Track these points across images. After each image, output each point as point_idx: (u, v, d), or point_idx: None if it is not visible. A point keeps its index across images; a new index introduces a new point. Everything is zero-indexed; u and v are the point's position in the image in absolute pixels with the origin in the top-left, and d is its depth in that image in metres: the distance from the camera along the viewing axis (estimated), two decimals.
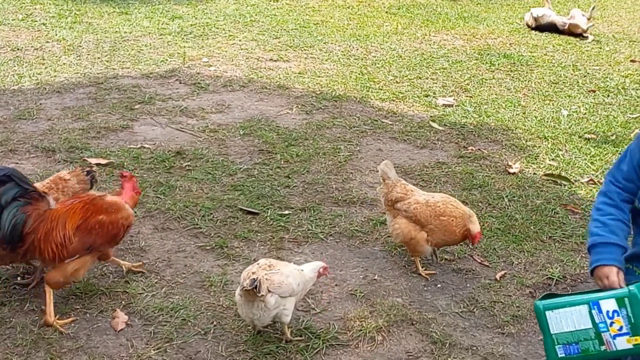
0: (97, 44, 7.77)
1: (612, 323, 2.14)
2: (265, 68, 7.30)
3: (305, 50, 8.13)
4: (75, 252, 3.26)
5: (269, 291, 3.01)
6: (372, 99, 6.64)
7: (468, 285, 3.79)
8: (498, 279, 3.83)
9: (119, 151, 5.09)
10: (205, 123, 5.71)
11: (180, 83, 6.63)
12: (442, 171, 5.15)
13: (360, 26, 9.69)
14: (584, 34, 9.77)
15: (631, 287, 2.16)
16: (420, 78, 7.46)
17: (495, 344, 3.33)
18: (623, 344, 2.14)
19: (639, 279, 2.37)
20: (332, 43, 8.57)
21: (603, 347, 2.16)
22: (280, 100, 6.38)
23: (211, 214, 4.30)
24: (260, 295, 2.96)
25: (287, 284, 3.09)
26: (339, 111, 6.24)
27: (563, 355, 2.22)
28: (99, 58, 7.29)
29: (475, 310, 3.58)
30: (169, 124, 5.66)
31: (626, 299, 2.13)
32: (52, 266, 3.28)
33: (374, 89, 6.96)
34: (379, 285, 3.74)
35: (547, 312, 2.24)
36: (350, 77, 7.26)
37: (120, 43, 7.86)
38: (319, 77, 7.17)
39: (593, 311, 2.17)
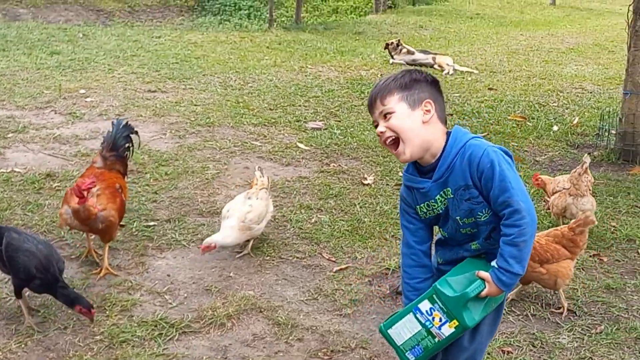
0: None
1: (433, 318, 2.57)
2: (142, 98, 7.59)
3: (183, 81, 8.49)
4: None
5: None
6: (244, 124, 7.05)
7: (315, 277, 4.20)
8: (341, 270, 4.26)
9: None
10: (78, 148, 5.95)
11: (56, 113, 6.83)
12: (303, 184, 5.59)
13: (240, 60, 10.16)
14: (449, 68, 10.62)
15: (435, 284, 2.58)
16: (293, 105, 7.95)
17: (333, 324, 3.73)
18: (448, 330, 2.56)
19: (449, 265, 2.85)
20: (211, 75, 8.98)
21: (436, 339, 2.58)
22: (154, 127, 6.69)
23: None
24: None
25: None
26: (212, 135, 6.61)
27: (413, 357, 2.63)
28: None
29: (318, 297, 3.98)
30: (42, 150, 5.86)
31: (434, 296, 2.57)
32: None
33: (248, 115, 7.38)
34: (233, 281, 4.09)
35: (389, 331, 2.67)
36: (226, 105, 7.66)
37: None
38: (195, 105, 7.54)
39: (417, 315, 2.59)
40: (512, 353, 3.52)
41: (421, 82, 2.61)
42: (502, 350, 3.54)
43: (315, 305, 3.91)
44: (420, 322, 2.58)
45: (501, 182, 2.50)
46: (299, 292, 4.03)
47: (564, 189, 4.85)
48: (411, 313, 2.60)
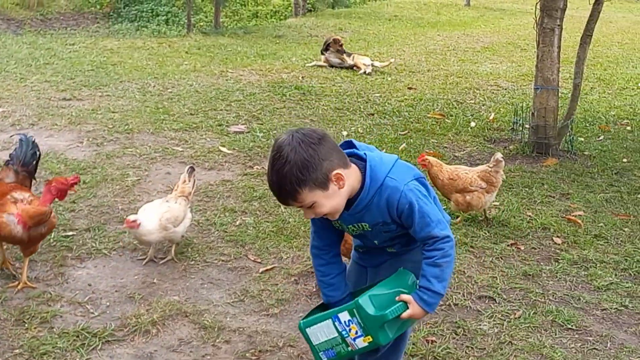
0: None
1: (350, 329, 2.64)
2: (57, 107, 7.38)
3: (100, 89, 8.30)
4: None
5: None
6: (165, 130, 6.94)
7: (241, 279, 4.18)
8: (267, 271, 4.26)
9: None
10: None
11: None
12: (226, 187, 5.56)
13: (159, 66, 10.01)
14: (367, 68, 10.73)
15: (358, 299, 2.63)
16: (214, 110, 7.88)
17: (260, 324, 3.72)
18: (361, 343, 2.64)
19: (367, 256, 2.94)
20: (128, 82, 8.81)
21: (349, 348, 2.66)
22: (70, 135, 6.52)
23: None
24: None
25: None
26: (131, 142, 6.49)
27: (326, 359, 2.70)
28: None
29: (245, 299, 3.96)
30: None
31: (354, 310, 2.62)
32: None
33: (168, 121, 7.27)
34: (157, 288, 4.02)
35: (307, 329, 2.72)
36: (145, 111, 7.53)
37: None
38: (113, 112, 7.37)
39: (335, 323, 2.65)
40: (436, 342, 3.60)
41: (312, 160, 2.47)
42: (426, 340, 3.61)
43: (242, 307, 3.89)
44: (337, 329, 2.65)
45: (421, 219, 2.59)
46: (225, 294, 4.00)
47: (480, 188, 4.95)
48: (330, 320, 2.66)
